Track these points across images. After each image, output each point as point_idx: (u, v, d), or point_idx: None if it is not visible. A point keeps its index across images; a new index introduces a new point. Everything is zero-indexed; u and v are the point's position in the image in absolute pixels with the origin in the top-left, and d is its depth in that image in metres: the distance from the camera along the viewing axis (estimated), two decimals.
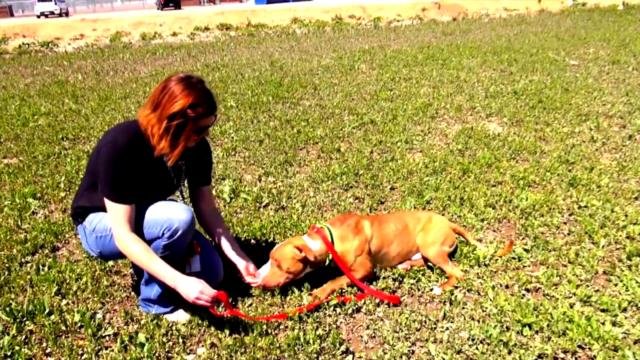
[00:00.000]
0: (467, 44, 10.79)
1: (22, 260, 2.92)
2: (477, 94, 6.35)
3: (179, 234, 2.14)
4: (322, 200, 3.57)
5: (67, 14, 35.80)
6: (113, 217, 2.11)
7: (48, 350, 2.19)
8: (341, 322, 2.33)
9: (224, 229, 2.47)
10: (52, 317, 2.36)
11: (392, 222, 2.72)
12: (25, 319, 2.36)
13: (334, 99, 6.46)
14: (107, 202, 2.11)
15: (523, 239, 3.00)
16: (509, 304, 2.36)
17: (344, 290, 2.51)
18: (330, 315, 2.36)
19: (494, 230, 3.11)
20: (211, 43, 13.59)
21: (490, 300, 2.41)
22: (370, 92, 6.68)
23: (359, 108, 5.93)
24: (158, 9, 37.06)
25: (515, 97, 6.12)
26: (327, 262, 2.55)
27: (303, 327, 2.27)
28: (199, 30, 17.63)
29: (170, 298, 2.26)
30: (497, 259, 2.74)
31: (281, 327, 2.28)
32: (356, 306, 2.40)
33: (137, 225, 2.17)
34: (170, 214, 2.14)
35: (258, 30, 16.67)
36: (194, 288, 2.07)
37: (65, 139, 5.22)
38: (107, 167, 2.08)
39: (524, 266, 2.70)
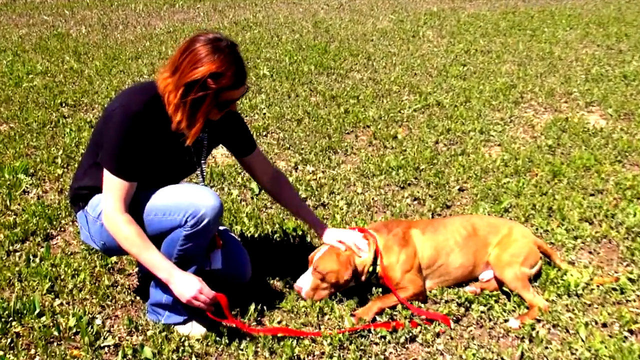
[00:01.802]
0: (564, 10, 10.53)
1: (10, 248, 3.03)
2: (574, 76, 6.19)
3: (204, 222, 2.17)
4: (373, 199, 3.57)
5: None
6: (107, 191, 2.16)
7: (37, 359, 2.27)
8: (390, 353, 2.33)
9: (291, 196, 2.61)
10: (43, 319, 2.43)
11: (453, 227, 2.71)
12: (11, 318, 2.45)
13: (391, 72, 6.42)
14: (106, 174, 2.16)
15: (628, 265, 2.91)
16: (606, 347, 2.31)
17: (394, 313, 2.50)
18: (377, 343, 2.36)
19: (591, 252, 3.04)
20: None
21: (582, 340, 2.36)
22: (438, 67, 6.61)
23: (422, 86, 5.88)
24: None
25: (624, 82, 5.94)
26: (370, 274, 2.60)
27: (343, 356, 2.27)
28: None
29: (186, 305, 2.30)
30: (592, 289, 2.68)
31: (316, 353, 2.30)
32: (410, 334, 2.39)
33: (137, 211, 2.20)
34: (195, 198, 2.18)
35: None
36: (191, 286, 2.14)
37: (64, 105, 5.37)
38: (115, 132, 2.13)
39: (627, 300, 2.63)
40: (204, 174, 2.48)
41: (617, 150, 4.25)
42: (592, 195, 3.62)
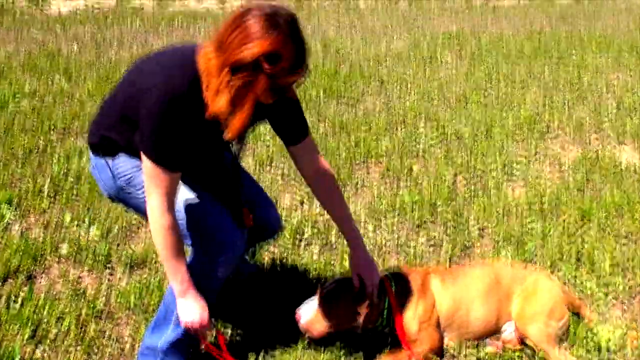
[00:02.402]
0: (593, 33, 10.58)
1: None
2: (605, 106, 6.20)
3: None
4: (385, 240, 3.57)
5: None
6: (150, 184, 2.10)
7: None
8: None
9: (336, 204, 2.51)
10: None
11: (474, 276, 2.70)
12: None
13: (406, 99, 6.45)
14: (145, 161, 2.08)
15: None
16: None
17: None
18: None
19: (624, 304, 3.01)
20: None
21: None
22: (457, 94, 6.64)
23: (440, 115, 5.90)
24: None
25: None
26: (379, 324, 2.57)
27: None
28: None
29: (184, 349, 2.31)
30: (626, 347, 2.65)
31: None
32: None
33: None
34: (222, 235, 2.27)
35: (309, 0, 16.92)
36: (195, 312, 2.19)
37: (52, 130, 5.41)
38: (154, 116, 2.03)
39: None
40: (239, 156, 2.45)
41: None
42: (624, 240, 3.61)
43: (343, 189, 4.26)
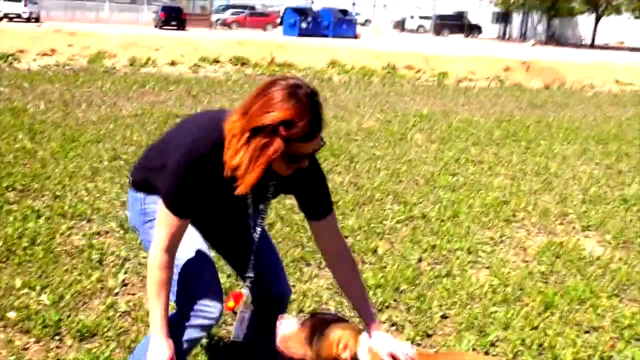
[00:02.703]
0: (562, 123, 10.99)
1: None
2: (571, 196, 6.38)
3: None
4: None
5: (37, 20, 37.83)
6: (159, 223, 2.33)
7: None
8: None
9: (354, 285, 2.56)
10: None
11: None
12: None
13: (375, 177, 6.56)
14: (161, 202, 2.32)
15: None
16: None
17: None
18: None
19: None
20: (220, 81, 14.11)
21: None
22: (426, 175, 6.78)
23: (408, 195, 6.01)
24: (156, 26, 38.92)
25: (624, 206, 6.13)
26: None
27: None
28: (206, 61, 18.38)
29: None
30: None
31: None
32: None
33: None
34: (203, 303, 2.39)
35: (283, 70, 17.31)
36: (160, 352, 2.29)
37: (10, 189, 5.37)
38: (175, 174, 2.28)
39: None
40: (257, 225, 2.55)
41: (615, 282, 4.33)
42: (587, 332, 3.65)
43: (306, 267, 4.28)
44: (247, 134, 2.12)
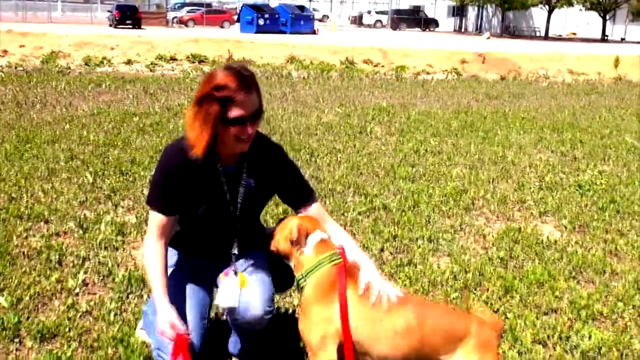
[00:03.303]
0: (518, 113, 11.17)
1: None
2: (528, 183, 6.50)
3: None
4: None
5: None
6: (148, 226, 2.73)
7: None
8: None
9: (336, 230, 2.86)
10: None
11: (404, 309, 2.53)
12: None
13: (335, 170, 6.59)
14: (150, 213, 2.74)
15: None
16: None
17: None
18: None
19: None
20: (177, 79, 13.99)
21: None
22: (386, 167, 6.83)
23: (368, 187, 6.05)
24: (110, 25, 38.32)
25: (579, 192, 6.27)
26: (297, 284, 2.69)
27: None
28: (163, 60, 18.20)
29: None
30: None
31: None
32: None
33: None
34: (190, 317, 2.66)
35: None
36: (164, 319, 2.54)
37: None
38: (152, 181, 2.75)
39: None
40: (240, 223, 2.80)
41: (572, 265, 4.43)
42: (546, 314, 3.73)
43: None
44: (195, 108, 2.57)
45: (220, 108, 2.51)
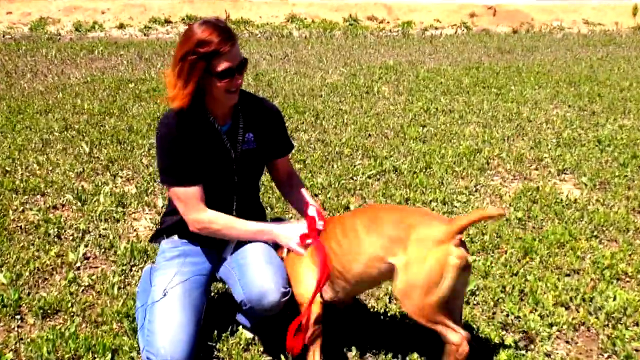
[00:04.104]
0: (532, 67, 11.04)
1: None
2: (545, 140, 6.45)
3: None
4: None
5: None
6: (180, 204, 2.77)
7: None
8: None
9: (298, 199, 3.05)
10: None
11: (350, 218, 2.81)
12: None
13: (342, 133, 6.55)
14: (170, 192, 2.80)
15: (609, 357, 2.98)
16: None
17: None
18: None
19: (567, 342, 3.10)
20: (173, 42, 13.85)
21: None
22: (395, 127, 6.79)
23: (377, 149, 6.01)
24: None
25: (598, 147, 6.22)
26: None
27: None
28: (157, 23, 18.00)
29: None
30: None
31: None
32: None
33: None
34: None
35: (240, 28, 17.05)
36: (294, 231, 2.77)
37: None
38: (158, 152, 2.77)
39: None
40: (239, 178, 2.89)
41: (593, 224, 4.41)
42: (567, 275, 3.73)
43: None
44: (177, 66, 2.62)
45: (205, 63, 2.59)
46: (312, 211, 2.86)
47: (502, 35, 16.66)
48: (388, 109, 7.67)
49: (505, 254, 3.95)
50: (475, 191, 5.06)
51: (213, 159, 2.80)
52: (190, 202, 2.73)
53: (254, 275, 2.69)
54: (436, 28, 18.49)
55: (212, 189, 2.81)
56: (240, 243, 2.87)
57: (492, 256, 3.90)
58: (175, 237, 2.98)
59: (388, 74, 10.11)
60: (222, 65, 2.60)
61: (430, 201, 4.76)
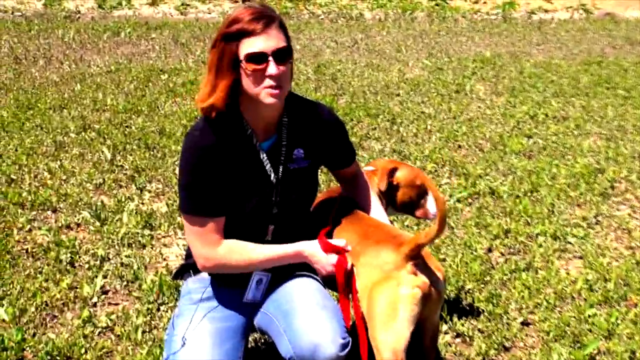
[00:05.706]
0: None
1: None
2: None
3: None
4: None
5: None
6: (191, 236, 2.79)
7: None
8: None
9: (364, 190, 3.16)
10: None
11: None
12: None
13: (425, 143, 6.51)
14: (184, 221, 2.82)
15: None
16: None
17: None
18: None
19: None
20: (215, 23, 14.04)
21: None
22: (492, 138, 6.72)
23: (469, 165, 5.95)
24: None
25: None
26: None
27: None
28: None
29: None
30: None
31: None
32: None
33: None
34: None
35: (299, 7, 17.19)
36: (323, 263, 2.76)
37: None
38: (182, 171, 2.78)
39: None
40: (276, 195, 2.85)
41: None
42: None
43: None
44: (209, 56, 2.71)
45: (235, 47, 2.61)
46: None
47: (632, 21, 16.38)
48: (483, 114, 7.60)
49: (635, 307, 3.84)
50: (596, 223, 4.96)
51: (245, 185, 2.77)
52: (206, 237, 2.73)
53: (304, 325, 2.65)
54: (546, 10, 18.30)
55: (240, 222, 2.80)
56: (277, 275, 2.86)
57: (617, 310, 3.79)
58: (205, 274, 2.95)
59: (484, 68, 10.04)
60: (250, 47, 2.58)
61: (537, 235, 4.67)
